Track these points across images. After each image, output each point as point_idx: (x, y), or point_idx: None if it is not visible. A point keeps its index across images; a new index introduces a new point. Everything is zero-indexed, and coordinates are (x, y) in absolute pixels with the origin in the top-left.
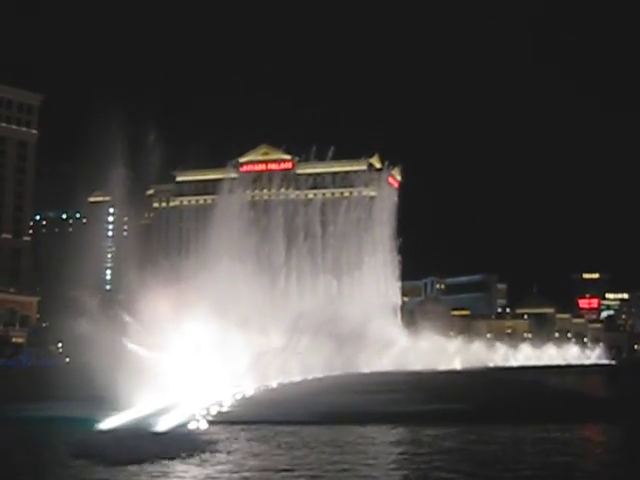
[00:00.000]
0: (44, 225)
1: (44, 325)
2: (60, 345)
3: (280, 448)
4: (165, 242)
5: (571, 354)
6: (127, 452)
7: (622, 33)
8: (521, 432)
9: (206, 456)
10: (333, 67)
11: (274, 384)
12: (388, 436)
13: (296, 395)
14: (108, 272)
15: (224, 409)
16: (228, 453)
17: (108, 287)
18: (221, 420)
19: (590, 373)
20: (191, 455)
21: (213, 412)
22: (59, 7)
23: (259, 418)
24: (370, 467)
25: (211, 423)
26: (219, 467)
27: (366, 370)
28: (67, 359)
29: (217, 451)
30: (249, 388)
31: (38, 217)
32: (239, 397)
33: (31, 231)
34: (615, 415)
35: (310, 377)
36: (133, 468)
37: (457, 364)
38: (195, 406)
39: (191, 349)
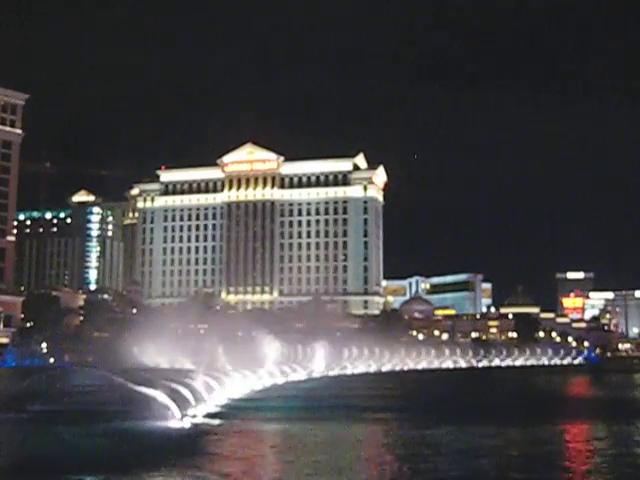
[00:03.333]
0: (28, 225)
1: (28, 325)
2: (45, 345)
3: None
4: (151, 242)
5: (555, 354)
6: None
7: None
8: (510, 432)
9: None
10: (318, 67)
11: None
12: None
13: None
14: (93, 272)
15: (215, 409)
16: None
17: (93, 287)
18: (212, 419)
19: (575, 372)
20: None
21: (205, 411)
22: (44, 8)
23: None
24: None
25: (201, 422)
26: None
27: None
28: (52, 359)
29: (202, 453)
30: (239, 389)
31: (22, 217)
32: (230, 397)
33: (15, 231)
34: (601, 414)
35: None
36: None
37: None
38: (188, 405)
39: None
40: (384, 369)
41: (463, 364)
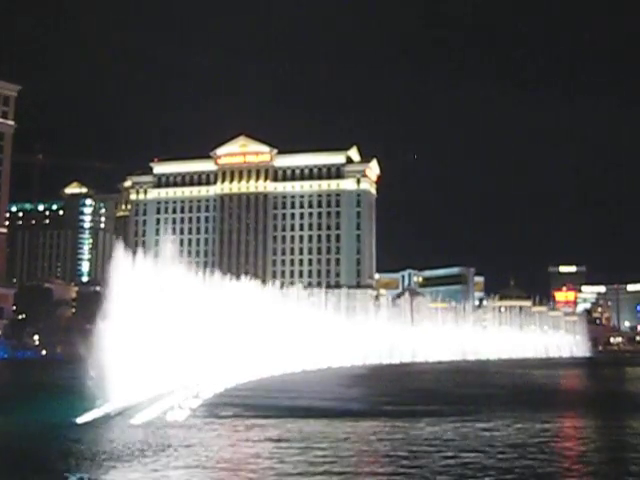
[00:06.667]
0: (20, 217)
1: (20, 317)
2: (37, 337)
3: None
4: (143, 234)
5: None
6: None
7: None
8: (501, 424)
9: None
10: (312, 60)
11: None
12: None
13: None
14: (85, 264)
15: (202, 400)
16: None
17: (85, 279)
18: (198, 412)
19: (568, 366)
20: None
21: (191, 404)
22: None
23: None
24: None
25: (188, 415)
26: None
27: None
28: (44, 351)
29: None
30: (226, 381)
31: (14, 208)
32: (217, 390)
33: (7, 223)
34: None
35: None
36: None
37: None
38: (173, 397)
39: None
40: (384, 362)
41: (455, 357)
